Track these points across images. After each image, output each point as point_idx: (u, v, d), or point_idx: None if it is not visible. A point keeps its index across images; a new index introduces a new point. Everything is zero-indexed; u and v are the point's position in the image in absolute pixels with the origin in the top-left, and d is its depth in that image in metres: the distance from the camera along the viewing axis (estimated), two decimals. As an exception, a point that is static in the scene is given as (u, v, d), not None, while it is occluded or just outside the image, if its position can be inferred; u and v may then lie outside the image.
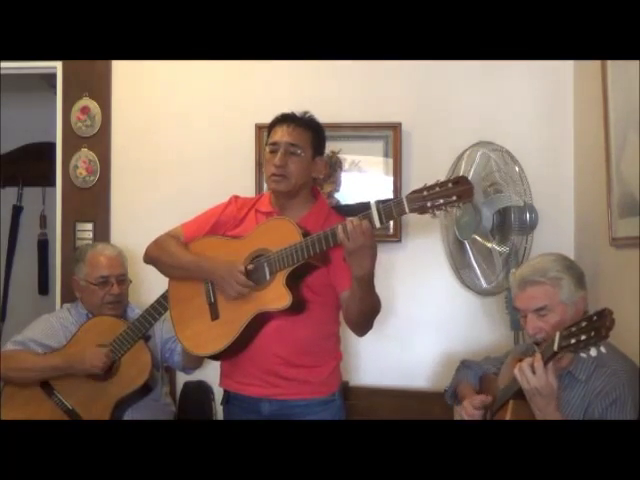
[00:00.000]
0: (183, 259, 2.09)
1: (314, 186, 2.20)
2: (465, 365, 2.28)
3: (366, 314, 1.96)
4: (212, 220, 2.14)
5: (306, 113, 2.10)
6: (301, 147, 2.04)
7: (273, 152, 2.04)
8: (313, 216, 2.07)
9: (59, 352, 2.47)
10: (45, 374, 2.44)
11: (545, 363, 1.70)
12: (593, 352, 1.58)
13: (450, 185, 1.72)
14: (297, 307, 1.97)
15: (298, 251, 1.90)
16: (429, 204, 1.73)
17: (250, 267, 1.98)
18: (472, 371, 2.23)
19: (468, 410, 2.00)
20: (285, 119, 2.07)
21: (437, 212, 1.73)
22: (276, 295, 1.95)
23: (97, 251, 2.61)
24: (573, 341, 1.60)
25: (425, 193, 1.73)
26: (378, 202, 1.79)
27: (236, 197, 2.19)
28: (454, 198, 1.71)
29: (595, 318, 1.57)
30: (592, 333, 1.56)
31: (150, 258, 2.17)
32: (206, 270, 2.05)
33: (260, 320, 1.99)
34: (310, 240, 1.89)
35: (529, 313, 1.89)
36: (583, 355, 1.63)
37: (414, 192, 1.76)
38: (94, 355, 2.39)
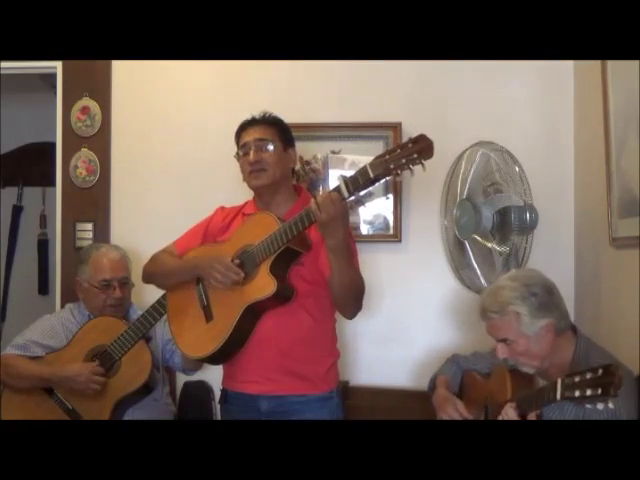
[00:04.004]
0: (173, 265, 2.17)
1: (298, 184, 2.27)
2: (454, 360, 2.31)
3: (349, 288, 1.97)
4: (201, 232, 2.21)
5: (265, 113, 2.17)
6: (270, 140, 2.10)
7: (245, 154, 2.11)
8: (298, 210, 2.07)
9: (53, 359, 2.47)
10: (37, 384, 2.44)
11: (544, 405, 1.71)
12: (600, 406, 1.53)
13: (410, 145, 1.76)
14: (285, 294, 2.00)
15: (277, 237, 1.95)
16: (392, 166, 1.76)
17: (236, 262, 2.01)
18: (458, 367, 2.27)
19: (451, 413, 2.06)
20: (247, 123, 2.16)
21: (401, 172, 1.77)
22: (262, 284, 1.97)
23: (101, 253, 2.61)
24: (577, 394, 1.55)
25: (387, 157, 1.78)
26: (345, 176, 1.86)
27: (222, 208, 2.26)
28: (415, 156, 1.75)
29: (601, 372, 1.52)
30: (599, 390, 1.50)
31: (146, 274, 2.24)
32: (193, 267, 2.10)
33: (253, 313, 2.01)
34: (287, 224, 1.94)
35: (496, 340, 1.93)
36: (588, 406, 1.56)
37: (376, 158, 1.80)
38: (80, 372, 2.38)
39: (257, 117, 2.16)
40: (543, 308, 1.87)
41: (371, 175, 1.78)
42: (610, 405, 1.53)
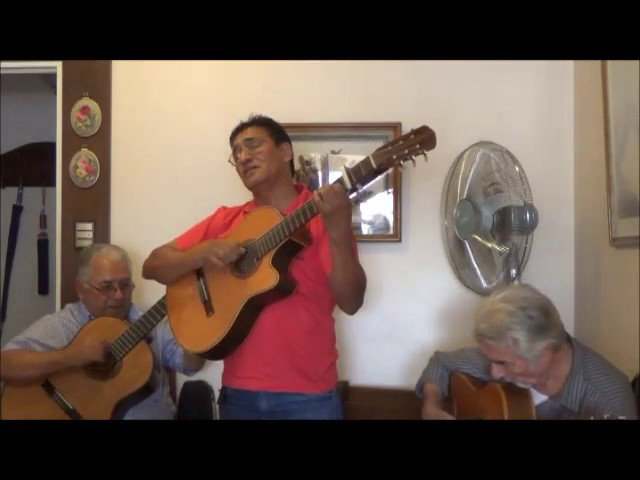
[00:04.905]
0: (174, 257, 2.16)
1: (299, 184, 2.28)
2: (438, 359, 2.29)
3: (351, 282, 1.97)
4: (202, 230, 2.21)
5: (253, 116, 2.20)
6: (259, 138, 2.13)
7: (238, 157, 2.14)
8: (298, 205, 2.08)
9: (59, 350, 2.47)
10: (45, 370, 2.43)
11: None
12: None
13: (412, 136, 1.78)
14: (286, 287, 2.00)
15: (280, 230, 1.95)
16: (394, 156, 1.77)
17: (242, 250, 2.01)
18: (444, 369, 2.25)
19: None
20: (237, 128, 2.19)
21: (403, 163, 1.78)
22: (264, 276, 1.97)
23: (102, 254, 2.61)
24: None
25: (390, 147, 1.79)
26: (348, 167, 1.86)
27: (224, 207, 2.27)
28: (417, 146, 1.76)
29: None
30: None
31: (147, 269, 2.24)
32: (195, 255, 2.10)
33: (254, 307, 2.01)
34: (290, 217, 1.94)
35: (492, 362, 1.91)
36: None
37: (379, 149, 1.81)
38: (92, 344, 2.39)
39: (245, 121, 2.19)
40: (541, 331, 1.84)
41: (374, 165, 1.78)
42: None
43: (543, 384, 1.92)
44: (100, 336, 2.44)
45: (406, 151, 1.76)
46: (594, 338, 2.38)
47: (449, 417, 2.08)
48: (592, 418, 1.60)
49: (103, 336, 2.45)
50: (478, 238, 2.58)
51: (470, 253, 2.64)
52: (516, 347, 1.84)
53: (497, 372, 1.91)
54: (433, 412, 2.12)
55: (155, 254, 2.22)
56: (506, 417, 1.87)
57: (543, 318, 1.85)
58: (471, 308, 2.81)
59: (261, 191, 2.14)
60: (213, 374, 2.59)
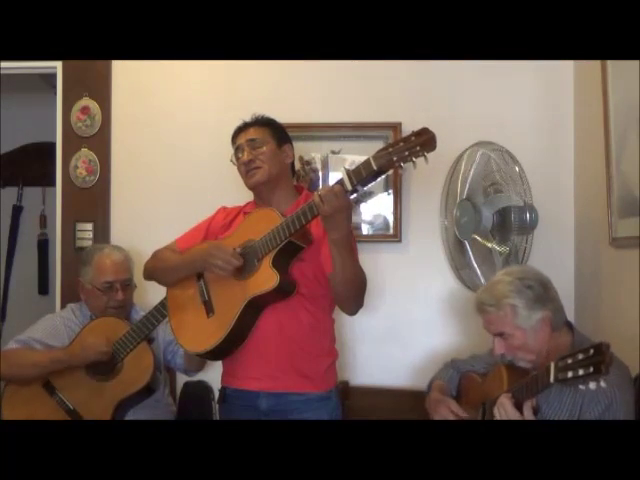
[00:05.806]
0: (175, 260, 2.17)
1: (299, 184, 2.29)
2: (453, 364, 2.32)
3: (351, 282, 1.98)
4: (203, 230, 2.21)
5: (256, 115, 2.20)
6: (261, 139, 2.14)
7: (240, 157, 2.14)
8: (300, 206, 2.08)
9: (61, 348, 2.47)
10: (47, 368, 2.42)
11: (539, 392, 1.72)
12: (592, 386, 1.55)
13: (413, 138, 1.78)
14: (286, 288, 2.00)
15: (280, 231, 1.95)
16: (395, 158, 1.77)
17: (238, 249, 2.01)
18: (455, 371, 2.27)
19: (443, 413, 2.07)
20: (240, 128, 2.19)
21: (404, 164, 1.78)
22: (264, 278, 1.97)
23: (104, 255, 2.60)
24: (570, 375, 1.58)
25: (390, 149, 1.79)
26: (348, 169, 1.86)
27: (224, 207, 2.27)
28: (418, 148, 1.76)
29: (592, 352, 1.53)
30: (591, 369, 1.52)
31: (148, 270, 2.25)
32: (195, 260, 2.10)
33: (254, 308, 2.01)
34: (290, 218, 1.94)
35: (494, 335, 1.94)
36: (581, 387, 1.58)
37: (379, 151, 1.80)
38: (95, 344, 2.39)
39: (248, 121, 2.19)
40: (539, 301, 1.89)
41: (374, 167, 1.78)
42: (602, 384, 1.54)
43: (542, 364, 1.92)
44: (102, 335, 2.44)
45: (406, 153, 1.76)
46: (594, 338, 2.38)
47: (452, 402, 2.09)
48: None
49: (105, 336, 2.45)
50: (478, 238, 2.58)
51: (470, 253, 2.64)
52: (514, 315, 1.88)
53: (498, 348, 1.94)
54: (436, 397, 2.14)
55: (156, 256, 2.23)
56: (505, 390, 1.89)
57: (541, 290, 1.91)
58: (471, 308, 2.81)
59: (262, 192, 2.15)
60: (213, 374, 2.59)
